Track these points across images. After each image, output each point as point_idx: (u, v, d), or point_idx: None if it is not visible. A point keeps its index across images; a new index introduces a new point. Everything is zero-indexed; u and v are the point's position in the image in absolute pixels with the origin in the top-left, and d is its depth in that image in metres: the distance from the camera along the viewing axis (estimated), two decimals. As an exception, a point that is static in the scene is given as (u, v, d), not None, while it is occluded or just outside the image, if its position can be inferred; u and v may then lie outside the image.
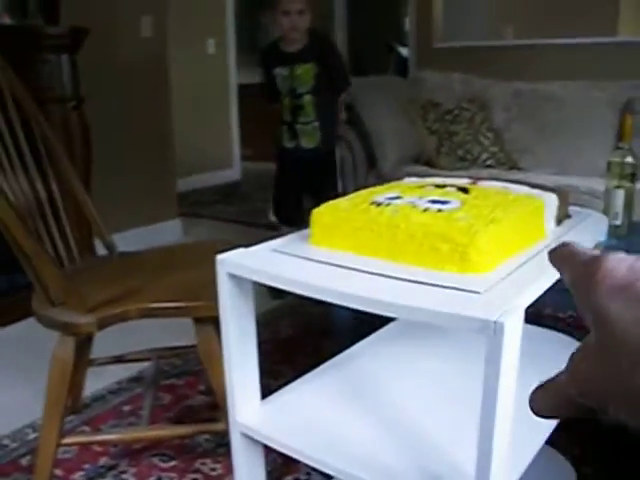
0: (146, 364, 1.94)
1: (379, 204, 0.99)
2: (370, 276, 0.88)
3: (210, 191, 5.39)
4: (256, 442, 1.11)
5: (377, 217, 0.95)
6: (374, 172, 3.07)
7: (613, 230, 1.83)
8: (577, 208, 1.30)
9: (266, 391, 1.15)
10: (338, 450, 1.00)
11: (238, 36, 5.89)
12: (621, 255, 0.31)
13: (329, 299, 0.87)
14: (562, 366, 1.14)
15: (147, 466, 1.64)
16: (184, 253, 1.74)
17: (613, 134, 2.86)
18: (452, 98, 3.22)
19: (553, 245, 1.06)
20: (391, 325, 1.46)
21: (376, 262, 0.92)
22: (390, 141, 3.00)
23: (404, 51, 7.81)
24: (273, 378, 1.87)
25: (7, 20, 2.63)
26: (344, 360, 1.29)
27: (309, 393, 1.16)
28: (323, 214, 1.02)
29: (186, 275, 1.49)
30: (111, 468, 1.63)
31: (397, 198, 1.02)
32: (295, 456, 1.01)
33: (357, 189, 2.87)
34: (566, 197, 1.19)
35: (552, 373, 1.15)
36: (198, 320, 1.38)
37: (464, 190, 1.08)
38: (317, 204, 2.85)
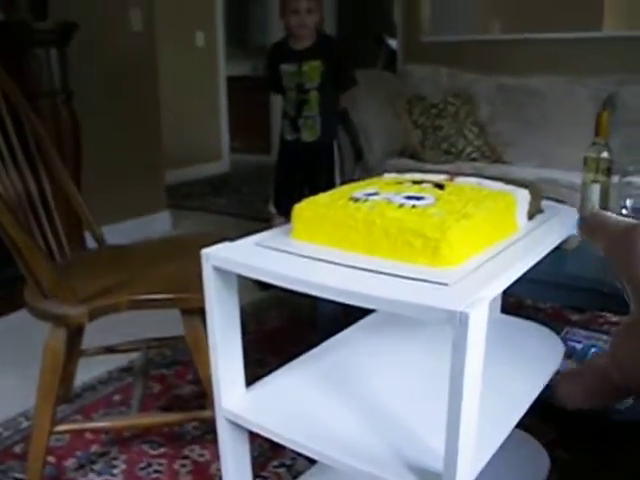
0: (136, 354, 1.99)
1: (357, 200, 1.04)
2: (347, 269, 0.93)
3: (199, 183, 5.43)
4: (241, 428, 1.15)
5: (354, 213, 0.99)
6: (361, 165, 3.12)
7: (589, 223, 1.88)
8: (550, 203, 1.35)
9: (253, 380, 1.20)
10: (320, 435, 1.04)
11: (227, 29, 5.91)
12: None
13: (308, 291, 0.91)
14: (536, 355, 1.20)
15: (137, 453, 1.69)
16: (172, 246, 1.79)
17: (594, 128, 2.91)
18: (438, 92, 3.27)
19: (523, 240, 1.10)
20: (373, 315, 1.51)
21: (353, 256, 0.97)
22: (376, 134, 3.05)
23: (394, 43, 7.84)
24: (259, 367, 1.92)
25: (-4, 14, 2.65)
26: (327, 349, 1.34)
27: (292, 381, 1.21)
28: (304, 209, 1.06)
29: (174, 267, 1.54)
30: (102, 455, 1.68)
31: (375, 194, 1.07)
32: (278, 441, 1.06)
33: (343, 183, 2.93)
34: (539, 192, 1.24)
35: (525, 362, 1.20)
36: (185, 311, 1.43)
37: (440, 186, 1.12)
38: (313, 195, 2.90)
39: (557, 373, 1.72)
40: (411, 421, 1.08)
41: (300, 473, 1.50)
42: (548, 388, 1.75)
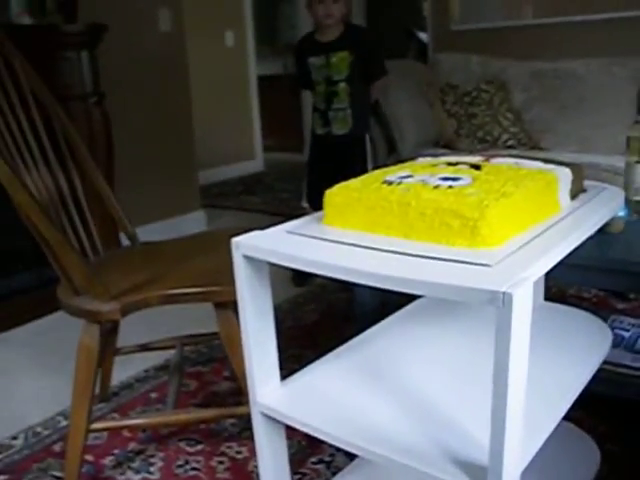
0: (172, 352, 1.97)
1: (390, 183, 1.00)
2: (382, 253, 0.89)
3: (234, 182, 5.44)
4: (277, 422, 1.12)
5: (388, 195, 0.96)
6: (394, 156, 3.07)
7: (634, 205, 1.81)
8: (594, 182, 1.29)
9: (290, 375, 1.17)
10: (357, 427, 1.01)
11: (256, 28, 5.90)
12: None
13: (343, 277, 0.88)
14: (583, 343, 1.13)
15: (174, 450, 1.67)
16: (203, 241, 1.77)
17: (635, 110, 2.82)
18: (470, 80, 3.20)
19: (566, 219, 1.04)
20: (410, 306, 1.47)
21: (388, 239, 0.93)
22: (408, 125, 2.99)
23: (424, 37, 7.76)
24: (296, 362, 1.89)
25: (27, 19, 2.67)
26: (363, 341, 1.30)
27: (328, 374, 1.18)
28: (335, 195, 1.03)
29: (205, 261, 1.52)
30: (139, 452, 1.67)
31: (409, 177, 1.03)
32: (313, 433, 1.03)
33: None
34: (581, 172, 1.18)
35: (572, 350, 1.13)
36: (218, 305, 1.40)
37: (476, 167, 1.08)
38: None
39: (605, 362, 1.65)
40: (454, 412, 1.03)
41: (339, 469, 1.46)
42: (595, 379, 1.69)
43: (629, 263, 1.53)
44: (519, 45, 3.55)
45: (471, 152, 2.90)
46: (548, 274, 1.40)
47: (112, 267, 1.58)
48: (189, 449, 1.68)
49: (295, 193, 4.74)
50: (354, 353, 1.25)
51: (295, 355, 2.03)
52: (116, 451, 1.69)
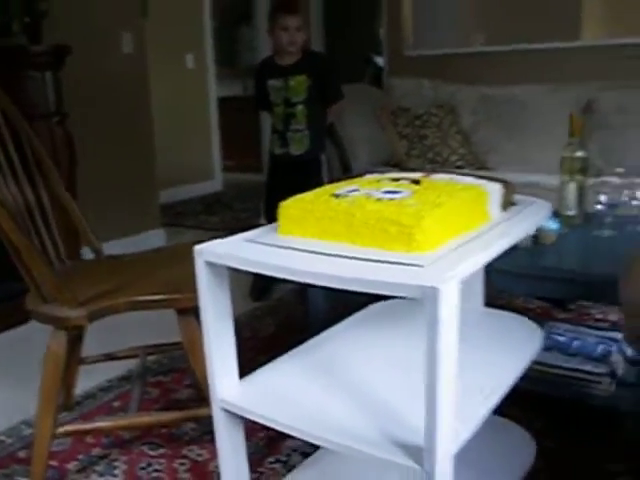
0: (134, 363, 2.04)
1: (339, 196, 1.11)
2: (330, 257, 1.00)
3: (193, 202, 5.51)
4: (237, 417, 1.22)
5: (336, 207, 1.07)
6: (347, 175, 3.20)
7: (567, 220, 1.97)
8: (525, 197, 1.42)
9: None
10: (310, 418, 1.11)
11: (217, 50, 6.02)
12: None
13: (296, 278, 0.98)
14: (515, 343, 1.29)
15: (137, 454, 1.74)
16: (166, 253, 1.86)
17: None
18: (422, 103, 3.36)
19: (495, 228, 1.17)
20: (361, 312, 1.58)
21: (336, 246, 1.04)
22: (362, 146, 3.14)
23: (380, 61, 7.98)
24: (254, 369, 1.98)
25: (-9, 40, 2.73)
26: (317, 343, 1.41)
27: (284, 372, 1.28)
28: (289, 207, 1.14)
29: (168, 272, 1.61)
30: (103, 457, 1.74)
31: (355, 190, 1.14)
32: (270, 425, 1.13)
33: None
34: (511, 187, 1.32)
35: (504, 349, 1.27)
36: (180, 311, 1.49)
37: (416, 182, 1.20)
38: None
39: (541, 364, 1.79)
40: (397, 403, 1.14)
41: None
42: (532, 379, 1.82)
43: (561, 271, 1.68)
44: (468, 71, 3.73)
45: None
46: (488, 281, 1.54)
47: (78, 276, 1.66)
48: (151, 452, 1.75)
49: (253, 212, 4.84)
50: (309, 353, 1.36)
51: (252, 361, 2.11)
52: (80, 456, 1.75)
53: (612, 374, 1.77)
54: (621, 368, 1.83)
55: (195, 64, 5.69)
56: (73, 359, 1.88)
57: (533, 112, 3.27)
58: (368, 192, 1.12)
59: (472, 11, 4.83)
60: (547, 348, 1.88)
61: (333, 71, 2.95)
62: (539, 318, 2.37)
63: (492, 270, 1.53)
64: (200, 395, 1.69)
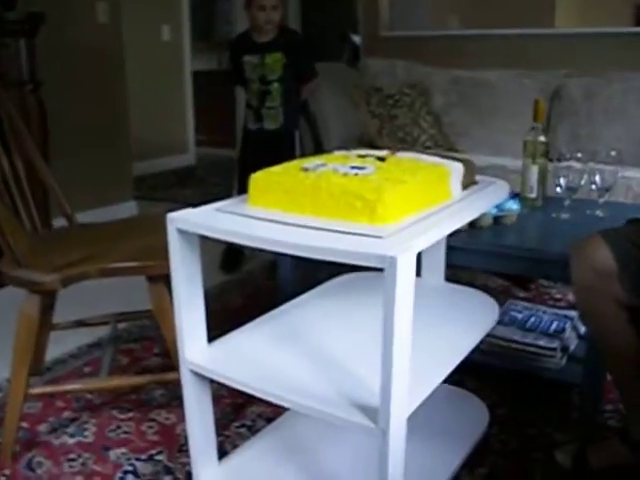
0: (105, 330, 2.08)
1: (307, 169, 1.17)
2: (296, 228, 1.06)
3: (166, 175, 5.51)
4: (204, 379, 1.27)
5: (304, 180, 1.12)
6: (319, 152, 3.25)
7: (528, 202, 2.04)
8: (486, 177, 1.49)
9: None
10: (274, 380, 1.17)
11: (193, 23, 5.98)
12: None
13: (264, 246, 1.04)
14: (472, 316, 1.37)
15: (107, 417, 1.79)
16: (138, 223, 1.90)
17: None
18: (394, 84, 3.41)
19: (455, 205, 1.23)
20: (327, 284, 1.64)
21: (302, 217, 1.10)
22: (334, 124, 3.18)
23: (357, 39, 7.99)
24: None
25: (-36, 5, 2.71)
26: (283, 311, 1.47)
27: (251, 337, 1.34)
28: (259, 179, 1.19)
29: (141, 240, 1.65)
30: (74, 420, 1.79)
31: (323, 165, 1.20)
32: (235, 386, 1.18)
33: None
34: (472, 167, 1.38)
35: (461, 321, 1.34)
36: (151, 279, 1.54)
37: (381, 159, 1.26)
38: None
39: (498, 338, 1.87)
40: (356, 368, 1.21)
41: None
42: (490, 353, 1.91)
43: (519, 249, 1.75)
44: (442, 53, 3.79)
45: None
46: (450, 258, 1.61)
47: (51, 244, 1.69)
48: (121, 416, 1.80)
49: (226, 187, 4.85)
50: (275, 320, 1.42)
51: (220, 330, 2.17)
52: (51, 419, 1.79)
53: (564, 349, 1.87)
54: (573, 344, 1.93)
55: (171, 36, 5.66)
56: (44, 325, 1.91)
57: (503, 96, 3.34)
58: (335, 167, 1.18)
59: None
60: (505, 324, 1.97)
61: (308, 49, 2.99)
62: (499, 296, 2.46)
63: (454, 246, 1.60)
64: (170, 363, 1.74)
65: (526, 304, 2.16)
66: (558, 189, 1.96)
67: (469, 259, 1.76)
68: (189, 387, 1.28)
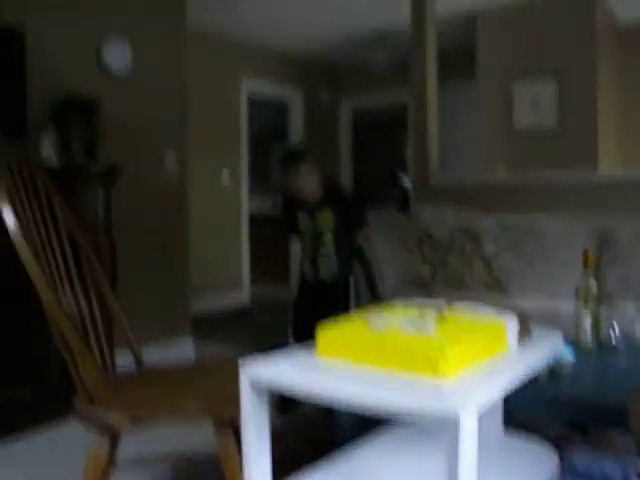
0: (163, 466, 2.12)
1: (372, 323, 1.25)
2: (362, 382, 1.13)
3: (220, 313, 5.66)
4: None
5: (370, 334, 1.21)
6: (374, 295, 3.34)
7: (583, 348, 2.07)
8: (540, 329, 1.54)
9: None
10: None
11: (250, 167, 6.35)
12: None
13: (332, 404, 1.11)
14: (531, 467, 1.42)
15: None
16: (206, 367, 1.98)
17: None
18: (445, 230, 3.55)
19: (512, 360, 1.31)
20: (386, 429, 1.67)
21: (368, 369, 1.17)
22: (388, 269, 3.30)
23: (407, 179, 8.29)
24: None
25: (54, 159, 3.00)
26: (344, 456, 1.50)
27: (313, 485, 1.37)
28: (326, 330, 1.27)
29: (210, 385, 1.73)
30: None
31: (386, 319, 1.28)
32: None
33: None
34: (527, 320, 1.44)
35: (520, 472, 1.38)
36: (217, 424, 1.60)
37: (440, 313, 1.34)
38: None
39: None
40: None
41: None
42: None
43: (576, 398, 1.77)
44: (491, 199, 3.93)
45: (444, 296, 3.19)
46: (507, 405, 1.63)
47: (122, 383, 1.78)
48: None
49: (279, 327, 4.97)
50: (335, 468, 1.45)
51: (279, 473, 2.17)
52: None
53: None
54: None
55: (230, 180, 6.01)
56: (108, 462, 1.97)
57: (553, 241, 3.42)
58: (398, 321, 1.26)
59: (494, 142, 5.14)
60: (565, 472, 1.93)
61: (355, 202, 3.21)
62: (558, 442, 2.42)
63: (510, 396, 1.62)
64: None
65: (587, 452, 2.12)
66: (612, 334, 1.99)
67: (525, 407, 1.78)
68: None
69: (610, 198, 3.77)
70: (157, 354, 3.55)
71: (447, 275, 3.30)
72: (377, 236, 3.36)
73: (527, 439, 1.62)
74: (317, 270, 3.06)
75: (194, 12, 4.38)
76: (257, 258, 6.61)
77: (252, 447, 1.26)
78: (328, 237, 3.03)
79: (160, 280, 3.92)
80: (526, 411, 1.82)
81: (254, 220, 6.45)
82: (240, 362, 1.24)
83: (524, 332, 1.43)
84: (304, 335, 3.05)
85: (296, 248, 3.22)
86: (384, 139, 9.36)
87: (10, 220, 1.55)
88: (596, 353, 2.07)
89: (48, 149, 3.01)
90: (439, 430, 1.61)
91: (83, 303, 1.92)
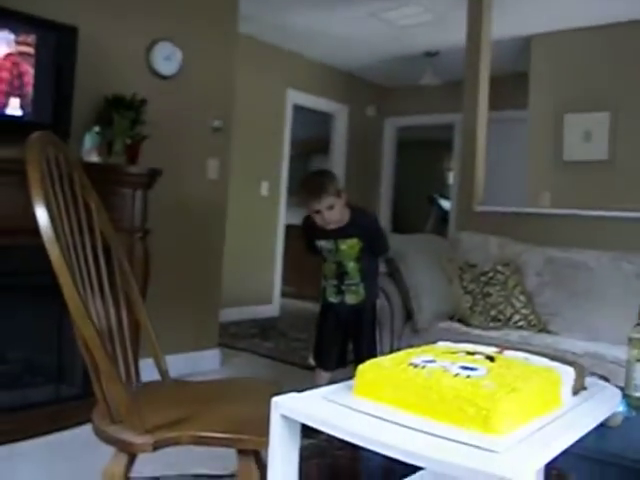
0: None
1: (416, 365, 1.15)
2: (405, 429, 1.03)
3: (248, 324, 5.59)
4: None
5: (413, 377, 1.11)
6: (410, 324, 3.23)
7: (634, 401, 1.93)
8: (594, 380, 1.43)
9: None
10: None
11: (288, 178, 6.30)
12: None
13: (368, 446, 1.01)
14: None
15: None
16: (232, 388, 1.89)
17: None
18: (488, 260, 3.43)
19: (567, 415, 1.19)
20: (417, 475, 1.57)
21: (410, 417, 1.07)
22: (427, 297, 3.18)
23: (445, 203, 8.20)
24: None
25: (95, 157, 2.96)
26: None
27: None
28: (366, 371, 1.18)
29: (235, 409, 1.64)
30: None
31: (432, 362, 1.18)
32: None
33: (392, 343, 3.02)
34: (582, 371, 1.33)
35: None
36: (241, 451, 1.51)
37: (491, 359, 1.23)
38: (357, 352, 2.97)
39: None
40: None
41: None
42: None
43: (625, 458, 1.64)
44: (536, 231, 3.80)
45: (483, 329, 3.07)
46: (550, 461, 1.51)
47: (144, 400, 1.70)
48: None
49: (307, 343, 4.89)
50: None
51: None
52: None
53: None
54: None
55: (269, 192, 5.97)
56: (125, 478, 1.90)
57: (600, 279, 3.27)
58: (444, 365, 1.16)
59: (542, 172, 5.01)
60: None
61: (380, 229, 2.97)
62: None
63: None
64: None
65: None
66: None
67: (571, 465, 1.66)
68: None
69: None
70: (185, 365, 3.49)
71: (487, 308, 3.17)
72: (417, 261, 3.25)
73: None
74: (343, 296, 2.90)
75: (244, 20, 4.36)
76: (290, 270, 6.55)
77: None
78: (352, 266, 2.84)
79: (193, 289, 3.86)
80: (570, 469, 1.70)
81: (289, 230, 6.39)
82: (273, 399, 1.15)
83: (579, 383, 1.32)
84: (327, 361, 2.97)
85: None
86: (426, 158, 9.28)
87: (43, 220, 1.49)
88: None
89: (90, 148, 2.98)
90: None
91: (112, 311, 1.86)
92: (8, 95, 2.74)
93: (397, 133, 7.35)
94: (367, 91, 7.05)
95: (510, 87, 5.62)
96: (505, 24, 4.65)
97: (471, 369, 1.14)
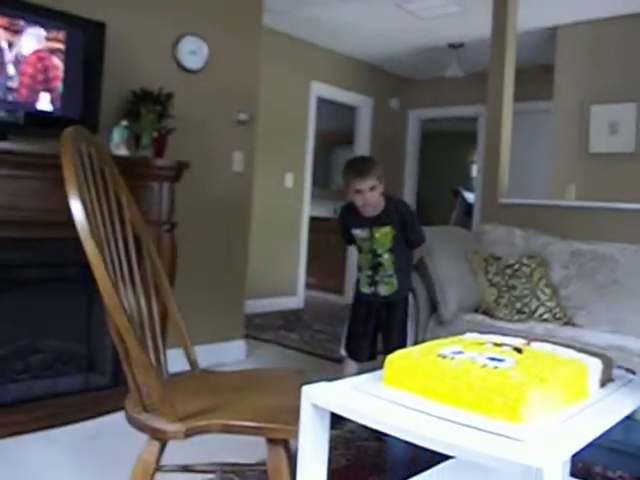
0: (210, 476, 2.08)
1: (445, 356, 1.17)
2: (434, 419, 1.05)
3: (273, 315, 5.63)
4: None
5: (442, 368, 1.13)
6: (435, 316, 3.24)
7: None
8: (621, 372, 1.44)
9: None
10: None
11: (313, 171, 6.32)
12: None
13: (399, 435, 1.04)
14: None
15: None
16: (261, 378, 1.92)
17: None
18: (513, 253, 3.42)
19: (594, 406, 1.21)
20: (440, 466, 1.59)
21: (439, 407, 1.09)
22: (452, 289, 3.18)
23: (469, 196, 8.17)
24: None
25: (124, 150, 3.01)
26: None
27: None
28: (396, 360, 1.20)
29: (264, 398, 1.67)
30: None
31: (460, 353, 1.20)
32: None
33: (417, 335, 3.02)
34: (610, 362, 1.34)
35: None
36: (271, 440, 1.54)
37: (518, 350, 1.25)
38: (386, 343, 2.99)
39: None
40: None
41: None
42: None
43: (651, 451, 1.64)
44: (561, 224, 3.78)
45: (508, 322, 3.07)
46: (575, 453, 1.53)
47: (176, 389, 1.74)
48: None
49: (331, 335, 4.92)
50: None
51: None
52: None
53: None
54: None
55: (293, 184, 6.00)
56: (156, 467, 1.94)
57: (626, 272, 3.25)
58: (473, 356, 1.18)
59: (567, 165, 4.97)
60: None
61: (414, 218, 2.98)
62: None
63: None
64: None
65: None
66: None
67: (595, 456, 1.67)
68: None
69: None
70: (211, 355, 3.54)
71: (512, 301, 3.17)
72: (442, 253, 3.25)
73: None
74: (376, 287, 2.92)
75: (269, 13, 4.37)
76: (314, 262, 6.58)
77: (308, 470, 1.20)
78: (386, 257, 2.87)
79: (219, 281, 3.90)
80: (594, 460, 1.71)
81: (314, 222, 6.42)
82: (303, 388, 1.18)
83: (606, 375, 1.33)
84: (359, 352, 3.00)
85: (353, 252, 3.00)
86: (450, 151, 9.26)
87: (79, 214, 1.52)
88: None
89: (119, 141, 3.02)
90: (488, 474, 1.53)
91: (142, 301, 1.89)
92: (38, 91, 2.79)
93: (421, 125, 7.33)
94: (391, 83, 7.03)
95: (535, 78, 5.58)
96: (531, 15, 4.61)
97: (499, 360, 1.16)
